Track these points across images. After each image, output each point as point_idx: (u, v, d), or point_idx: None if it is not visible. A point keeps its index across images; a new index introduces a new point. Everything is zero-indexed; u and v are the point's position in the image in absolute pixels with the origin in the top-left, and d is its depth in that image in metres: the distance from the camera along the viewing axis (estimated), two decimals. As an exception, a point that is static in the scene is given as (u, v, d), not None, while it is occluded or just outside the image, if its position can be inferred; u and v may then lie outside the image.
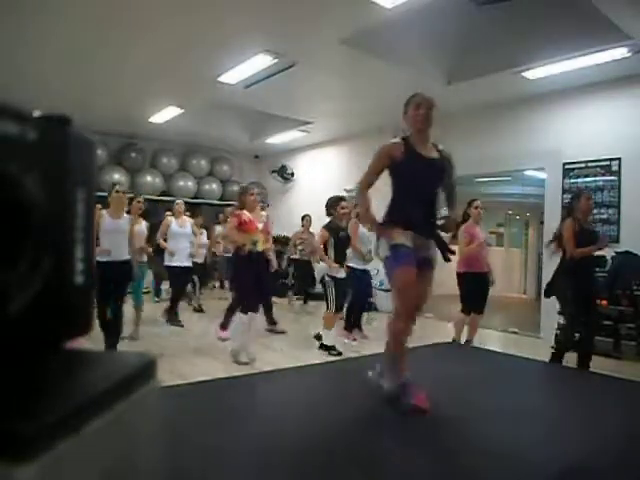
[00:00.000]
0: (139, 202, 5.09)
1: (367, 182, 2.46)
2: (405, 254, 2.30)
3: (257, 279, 4.27)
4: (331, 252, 4.68)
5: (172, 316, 5.82)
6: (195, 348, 4.68)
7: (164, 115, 7.62)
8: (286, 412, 2.27)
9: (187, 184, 9.59)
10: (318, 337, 4.86)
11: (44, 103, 5.72)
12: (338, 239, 4.70)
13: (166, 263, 5.75)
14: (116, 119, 7.98)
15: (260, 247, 4.28)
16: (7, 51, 5.21)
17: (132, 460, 0.38)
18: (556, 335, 4.27)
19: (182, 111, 7.34)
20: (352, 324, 5.27)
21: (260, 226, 4.36)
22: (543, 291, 4.39)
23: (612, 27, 4.16)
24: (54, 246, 0.35)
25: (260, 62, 5.30)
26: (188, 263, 5.79)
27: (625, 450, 1.91)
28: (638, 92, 5.28)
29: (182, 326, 5.77)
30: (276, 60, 5.23)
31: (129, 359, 0.41)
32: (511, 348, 3.86)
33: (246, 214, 4.31)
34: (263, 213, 4.64)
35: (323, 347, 4.66)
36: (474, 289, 4.73)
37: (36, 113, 0.35)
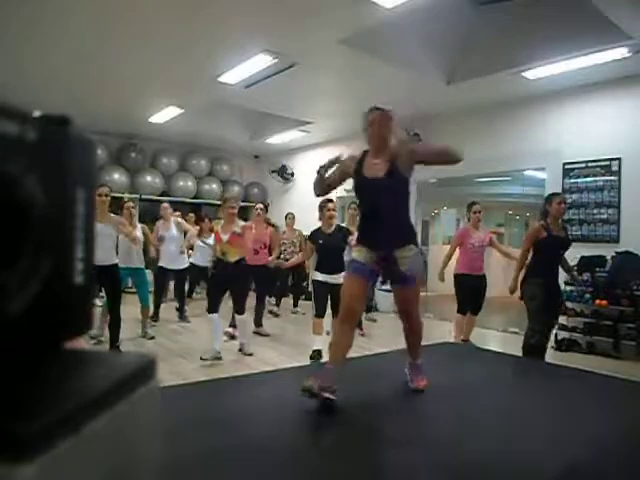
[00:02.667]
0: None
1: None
2: (355, 267, 2.49)
3: (228, 285, 4.49)
4: (313, 262, 4.57)
5: (182, 314, 6.28)
6: (197, 348, 4.68)
7: (164, 115, 7.62)
8: (287, 412, 2.27)
9: (187, 184, 9.59)
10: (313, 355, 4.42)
11: (44, 103, 5.73)
12: (322, 246, 4.34)
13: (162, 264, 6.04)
14: (116, 119, 7.98)
15: (231, 258, 4.38)
16: (8, 51, 5.21)
17: (132, 460, 0.38)
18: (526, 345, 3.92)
19: (182, 111, 7.34)
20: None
21: (225, 237, 4.40)
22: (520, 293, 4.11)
23: (612, 27, 4.16)
24: (54, 246, 0.35)
25: (260, 62, 5.31)
26: (180, 265, 6.07)
27: (625, 450, 1.91)
28: (638, 92, 5.29)
29: (189, 322, 6.11)
30: (276, 60, 5.23)
31: (129, 359, 0.41)
32: (511, 348, 3.85)
33: (217, 227, 4.57)
34: (241, 223, 4.59)
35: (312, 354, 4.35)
36: (467, 290, 4.78)
37: (36, 113, 0.35)
